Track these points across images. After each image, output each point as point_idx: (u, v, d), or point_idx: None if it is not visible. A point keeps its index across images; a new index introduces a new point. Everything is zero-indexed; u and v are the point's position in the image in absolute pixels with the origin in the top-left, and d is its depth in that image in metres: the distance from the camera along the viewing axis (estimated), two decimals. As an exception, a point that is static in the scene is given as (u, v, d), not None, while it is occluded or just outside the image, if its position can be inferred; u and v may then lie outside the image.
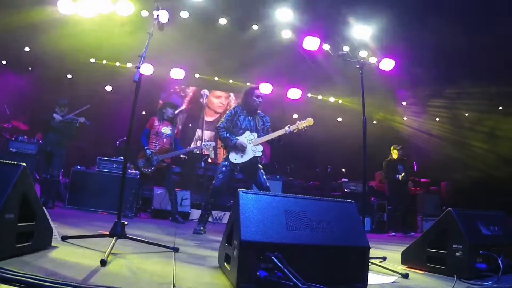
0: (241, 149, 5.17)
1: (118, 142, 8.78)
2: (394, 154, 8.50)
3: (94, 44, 10.04)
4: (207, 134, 12.39)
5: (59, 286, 1.74)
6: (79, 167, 7.94)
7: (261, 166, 5.36)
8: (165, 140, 6.86)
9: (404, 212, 8.45)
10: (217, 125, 5.42)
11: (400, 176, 8.18)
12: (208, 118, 12.66)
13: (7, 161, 2.30)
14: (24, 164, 2.34)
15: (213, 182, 5.28)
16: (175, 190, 7.03)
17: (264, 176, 5.31)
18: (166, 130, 6.90)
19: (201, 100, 12.59)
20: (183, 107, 12.36)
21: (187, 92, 13.02)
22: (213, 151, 7.54)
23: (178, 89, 12.95)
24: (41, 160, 7.27)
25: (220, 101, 12.86)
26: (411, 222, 9.28)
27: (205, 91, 12.55)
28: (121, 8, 8.40)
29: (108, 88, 11.67)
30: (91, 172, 7.88)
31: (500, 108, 11.71)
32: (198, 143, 12.11)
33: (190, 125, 12.68)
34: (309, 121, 5.12)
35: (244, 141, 5.20)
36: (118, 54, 10.99)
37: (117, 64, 11.65)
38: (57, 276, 1.93)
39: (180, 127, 12.25)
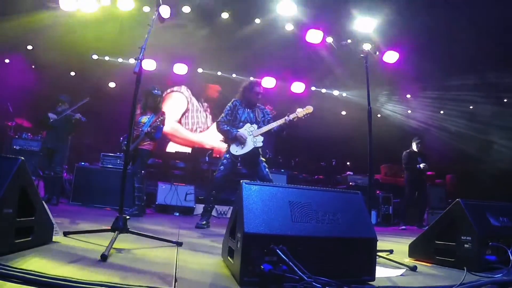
0: (241, 141, 5.16)
1: (121, 138, 8.76)
2: (414, 147, 8.44)
3: (97, 40, 10.02)
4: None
5: (57, 281, 1.70)
6: (82, 163, 7.92)
7: (263, 159, 5.34)
8: (140, 129, 6.25)
9: (422, 205, 8.35)
10: (217, 120, 5.39)
11: (421, 166, 8.09)
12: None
13: (5, 155, 2.26)
14: (22, 158, 2.29)
15: (215, 174, 5.29)
16: (140, 177, 6.22)
17: (267, 169, 5.30)
18: (144, 119, 6.35)
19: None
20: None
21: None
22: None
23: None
24: (43, 157, 7.24)
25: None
26: (415, 215, 9.20)
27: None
28: (122, 2, 8.38)
29: (112, 84, 11.65)
30: (95, 168, 7.87)
31: (505, 100, 11.60)
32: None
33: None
34: (308, 109, 5.12)
35: (245, 133, 5.20)
36: (121, 50, 10.96)
37: (120, 60, 11.62)
38: (56, 272, 1.88)
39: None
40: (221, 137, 5.45)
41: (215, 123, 6.03)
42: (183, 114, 13.02)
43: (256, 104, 5.46)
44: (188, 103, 13.14)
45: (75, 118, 6.97)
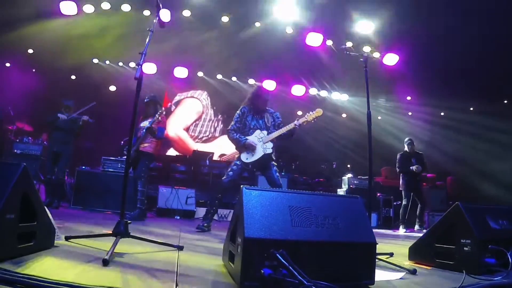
0: (251, 149, 5.19)
1: (122, 142, 8.77)
2: (406, 148, 8.40)
3: (97, 44, 10.05)
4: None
5: (59, 286, 1.72)
6: (83, 167, 7.94)
7: (275, 163, 5.35)
8: (142, 131, 6.31)
9: (421, 206, 8.24)
10: (227, 128, 5.42)
11: (414, 168, 8.03)
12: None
13: (7, 161, 2.28)
14: (25, 163, 2.31)
15: (223, 178, 5.30)
16: (143, 181, 6.23)
17: (278, 173, 5.31)
18: (144, 123, 6.38)
19: None
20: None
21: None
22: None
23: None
24: (48, 161, 7.22)
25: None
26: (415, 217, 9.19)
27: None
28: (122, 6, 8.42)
29: (112, 88, 11.69)
30: (96, 172, 7.88)
31: (505, 101, 11.62)
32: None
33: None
34: (318, 112, 5.10)
35: (254, 140, 5.22)
36: (121, 54, 11.00)
37: (120, 64, 11.66)
38: (58, 277, 1.90)
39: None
40: (223, 146, 5.46)
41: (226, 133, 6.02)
42: (194, 121, 12.83)
43: (265, 109, 5.47)
44: (203, 113, 12.94)
45: (83, 120, 6.99)
